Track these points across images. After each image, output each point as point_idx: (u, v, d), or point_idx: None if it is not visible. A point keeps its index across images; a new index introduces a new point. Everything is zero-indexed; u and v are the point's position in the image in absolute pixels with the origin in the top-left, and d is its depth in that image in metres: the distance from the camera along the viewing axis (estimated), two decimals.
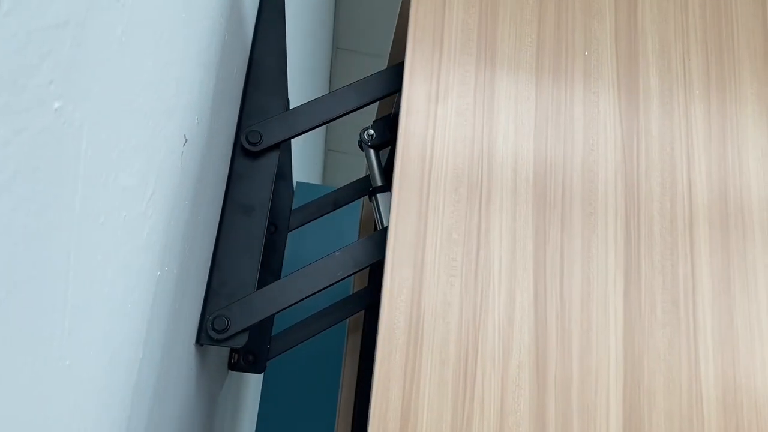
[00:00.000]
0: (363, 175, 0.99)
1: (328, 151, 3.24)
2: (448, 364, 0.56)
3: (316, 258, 1.59)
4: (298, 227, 1.08)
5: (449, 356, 0.56)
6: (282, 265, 1.06)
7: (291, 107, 1.14)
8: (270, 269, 1.02)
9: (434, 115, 0.64)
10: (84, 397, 0.38)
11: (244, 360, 0.99)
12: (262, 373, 1.65)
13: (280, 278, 1.08)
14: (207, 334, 0.68)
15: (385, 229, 0.71)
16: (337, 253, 0.69)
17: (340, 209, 1.08)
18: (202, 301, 0.70)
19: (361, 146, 0.92)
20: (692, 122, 0.67)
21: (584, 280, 0.60)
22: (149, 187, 0.47)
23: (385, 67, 0.85)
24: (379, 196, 0.84)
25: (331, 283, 0.69)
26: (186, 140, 0.56)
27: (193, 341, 0.69)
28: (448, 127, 0.63)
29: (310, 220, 1.07)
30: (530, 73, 0.67)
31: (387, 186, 0.84)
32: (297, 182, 1.75)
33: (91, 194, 0.36)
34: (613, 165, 0.64)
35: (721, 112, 0.68)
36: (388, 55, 2.80)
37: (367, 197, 1.11)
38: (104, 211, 0.38)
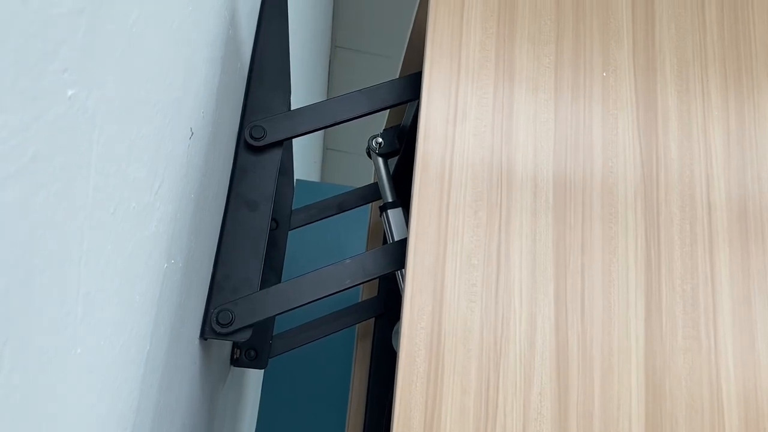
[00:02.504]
0: (366, 179, 0.98)
1: (327, 149, 3.24)
2: (469, 393, 0.55)
3: (319, 258, 1.58)
4: (299, 227, 1.08)
5: (470, 384, 0.55)
6: (283, 262, 1.06)
7: (300, 107, 1.15)
8: (271, 266, 1.02)
9: (452, 137, 0.63)
10: (93, 388, 0.38)
11: (246, 356, 0.99)
12: (263, 372, 1.65)
13: (281, 275, 1.08)
14: (211, 327, 0.68)
15: (397, 243, 0.71)
16: (347, 261, 0.69)
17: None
18: (206, 296, 0.70)
19: (369, 154, 0.92)
20: (711, 142, 0.67)
21: (605, 305, 0.59)
22: (157, 178, 0.47)
23: (398, 74, 0.85)
24: (390, 212, 0.83)
25: (339, 290, 0.68)
26: (192, 133, 0.56)
27: (197, 335, 0.69)
28: (466, 150, 0.62)
29: (313, 222, 1.07)
30: (549, 93, 0.66)
31: (398, 201, 0.84)
32: (296, 179, 1.75)
33: (103, 184, 0.36)
34: (633, 186, 0.64)
35: (740, 132, 0.68)
36: (387, 54, 2.78)
37: (373, 202, 1.11)
38: (115, 200, 0.38)
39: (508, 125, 0.64)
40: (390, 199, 0.85)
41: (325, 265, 0.70)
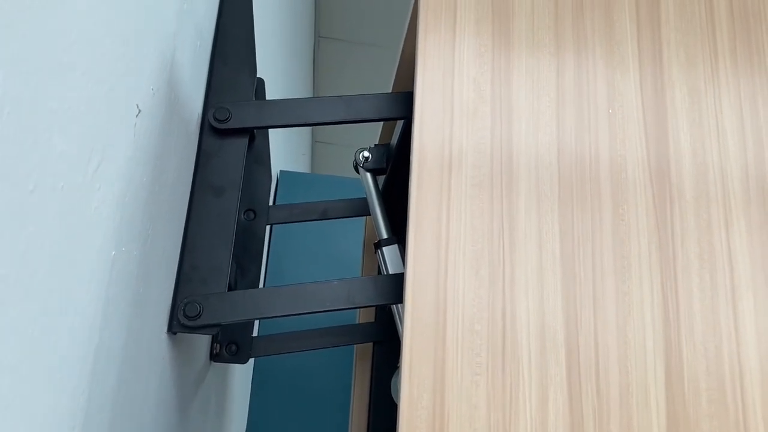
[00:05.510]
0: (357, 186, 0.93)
1: (316, 142, 3.19)
2: None
3: (314, 255, 1.53)
4: (281, 223, 1.04)
5: None
6: (262, 251, 1.02)
7: (274, 99, 1.10)
8: (250, 256, 0.99)
9: (448, 187, 0.58)
10: (15, 378, 0.34)
11: (227, 350, 0.95)
12: (256, 375, 1.62)
13: (260, 266, 1.05)
14: (178, 320, 0.64)
15: (390, 276, 0.67)
16: (334, 283, 0.65)
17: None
18: (173, 288, 0.67)
19: (356, 168, 0.87)
20: (728, 181, 0.62)
21: (622, 371, 0.54)
22: (95, 156, 0.43)
23: (392, 76, 0.80)
24: (385, 249, 0.78)
25: (318, 311, 0.65)
26: (139, 111, 0.52)
27: (165, 330, 0.65)
28: (462, 203, 0.57)
29: (295, 221, 1.03)
30: (551, 136, 0.61)
31: (394, 238, 0.79)
32: (281, 170, 1.71)
33: (14, 155, 0.33)
34: (647, 234, 0.59)
35: (761, 172, 0.63)
36: (373, 43, 2.73)
37: (360, 216, 1.06)
38: (34, 177, 0.35)
39: (508, 170, 0.59)
40: (385, 236, 0.81)
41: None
